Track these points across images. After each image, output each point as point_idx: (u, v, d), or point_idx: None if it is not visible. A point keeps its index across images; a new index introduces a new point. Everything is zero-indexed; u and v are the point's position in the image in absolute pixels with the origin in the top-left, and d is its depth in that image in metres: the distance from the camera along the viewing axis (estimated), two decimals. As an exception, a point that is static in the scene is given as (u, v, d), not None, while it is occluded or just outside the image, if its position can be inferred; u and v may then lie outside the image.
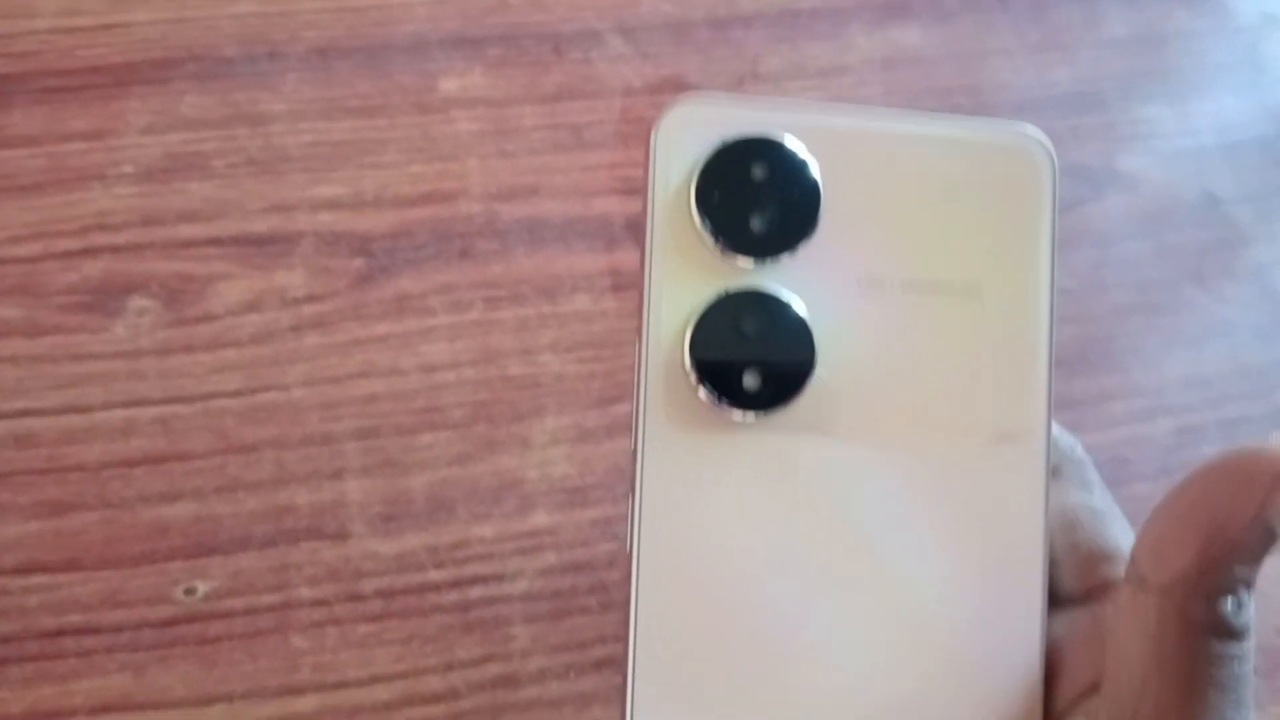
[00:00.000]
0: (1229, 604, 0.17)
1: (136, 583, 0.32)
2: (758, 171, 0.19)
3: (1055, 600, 0.20)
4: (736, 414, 0.19)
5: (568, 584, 0.33)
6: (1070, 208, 0.40)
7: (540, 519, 0.34)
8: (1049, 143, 0.20)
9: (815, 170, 0.19)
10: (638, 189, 0.40)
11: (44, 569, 0.32)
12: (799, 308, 0.19)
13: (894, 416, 0.19)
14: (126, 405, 0.34)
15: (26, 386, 0.34)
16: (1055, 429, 0.21)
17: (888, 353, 0.19)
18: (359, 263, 0.37)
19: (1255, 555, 0.17)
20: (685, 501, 0.19)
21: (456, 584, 0.33)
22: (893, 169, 0.19)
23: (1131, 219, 0.40)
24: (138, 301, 0.36)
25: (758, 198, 0.19)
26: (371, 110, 0.39)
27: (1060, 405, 0.21)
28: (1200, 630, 0.17)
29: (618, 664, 0.32)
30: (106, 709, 0.30)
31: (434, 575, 0.33)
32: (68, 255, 0.36)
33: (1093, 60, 0.42)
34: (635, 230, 0.38)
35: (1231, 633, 0.17)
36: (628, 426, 0.36)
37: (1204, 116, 0.42)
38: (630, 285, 0.38)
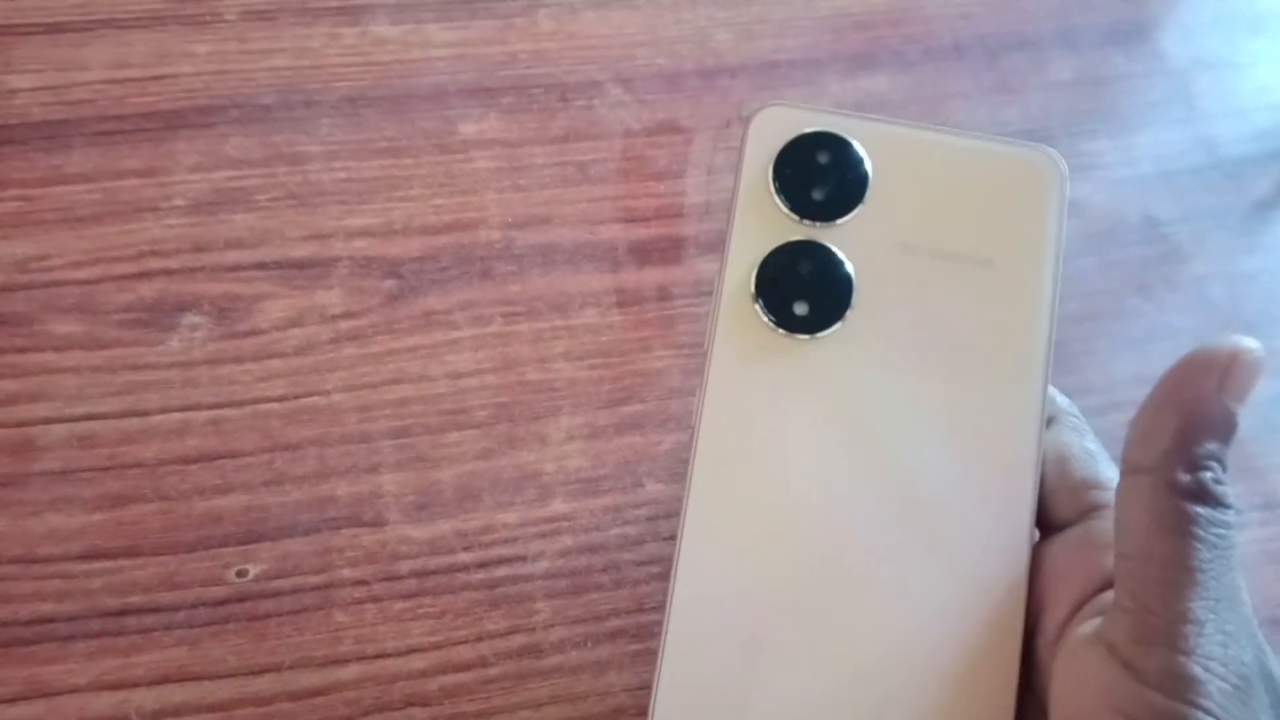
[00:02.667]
0: (1208, 475, 0.20)
1: (192, 566, 0.35)
2: (822, 157, 0.24)
3: (1051, 526, 0.24)
4: (786, 333, 0.24)
5: (584, 564, 0.36)
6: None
7: (558, 506, 0.37)
8: (1060, 157, 0.25)
9: (867, 161, 0.25)
10: (639, 218, 0.45)
11: (106, 555, 0.35)
12: (843, 257, 0.24)
13: (917, 352, 0.24)
14: (181, 409, 0.37)
15: (88, 393, 0.37)
16: (1057, 393, 0.25)
17: (915, 302, 0.24)
18: (390, 283, 0.41)
19: (1222, 432, 0.21)
20: (740, 399, 0.24)
21: (483, 564, 0.36)
22: (931, 167, 0.25)
23: (1080, 239, 0.44)
24: (190, 318, 0.39)
25: (820, 176, 0.24)
26: (398, 151, 0.44)
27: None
28: (1187, 495, 0.20)
29: (631, 634, 0.35)
30: (165, 679, 0.33)
31: (463, 557, 0.36)
32: (124, 278, 0.40)
33: (1041, 101, 0.47)
34: (636, 254, 0.43)
35: (1214, 499, 0.20)
36: (635, 425, 0.40)
37: (1142, 148, 0.47)
38: (632, 302, 0.42)
